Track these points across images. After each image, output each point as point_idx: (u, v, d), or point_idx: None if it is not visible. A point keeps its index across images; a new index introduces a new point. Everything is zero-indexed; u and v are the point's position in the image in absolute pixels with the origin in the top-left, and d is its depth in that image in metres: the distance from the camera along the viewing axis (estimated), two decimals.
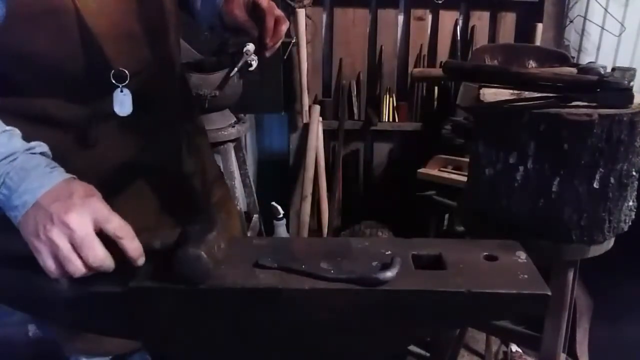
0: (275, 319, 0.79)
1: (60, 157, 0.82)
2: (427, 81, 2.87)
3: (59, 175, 0.76)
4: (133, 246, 0.75)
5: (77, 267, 0.71)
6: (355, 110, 2.94)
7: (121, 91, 0.97)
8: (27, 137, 0.80)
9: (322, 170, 2.90)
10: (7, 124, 0.80)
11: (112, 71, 0.96)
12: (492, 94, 1.29)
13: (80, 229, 0.71)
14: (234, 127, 2.24)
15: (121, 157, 1.04)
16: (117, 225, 0.74)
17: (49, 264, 0.72)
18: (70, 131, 0.97)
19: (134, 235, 0.76)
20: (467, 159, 2.04)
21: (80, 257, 0.71)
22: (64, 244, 0.70)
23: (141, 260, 0.77)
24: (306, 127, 2.85)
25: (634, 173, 1.21)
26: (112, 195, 0.82)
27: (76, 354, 1.27)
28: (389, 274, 0.77)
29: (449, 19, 2.86)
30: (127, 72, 0.96)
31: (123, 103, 0.98)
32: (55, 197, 0.72)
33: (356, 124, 2.96)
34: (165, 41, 1.08)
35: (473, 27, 2.85)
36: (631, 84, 1.38)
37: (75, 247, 0.71)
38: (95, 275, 0.74)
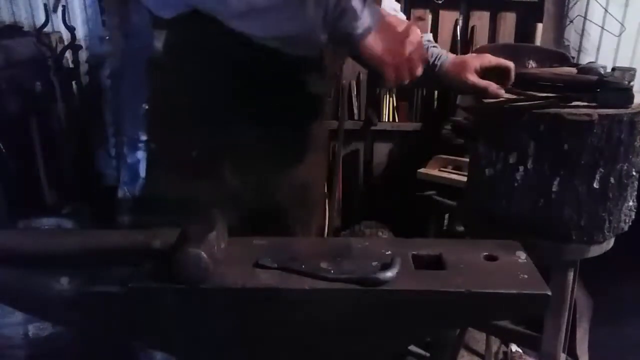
0: (275, 319, 0.79)
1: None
2: None
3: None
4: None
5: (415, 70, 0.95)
6: (355, 110, 2.93)
7: None
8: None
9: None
10: None
11: None
12: None
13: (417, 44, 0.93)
14: None
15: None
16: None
17: (391, 73, 0.94)
18: None
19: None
20: (467, 159, 2.04)
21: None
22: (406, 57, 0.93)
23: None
24: None
25: (634, 173, 1.21)
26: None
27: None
28: (389, 274, 0.77)
29: (449, 19, 2.85)
30: None
31: None
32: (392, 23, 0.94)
33: (356, 124, 2.96)
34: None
35: (473, 27, 2.85)
36: (631, 84, 1.38)
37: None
38: (95, 275, 0.74)
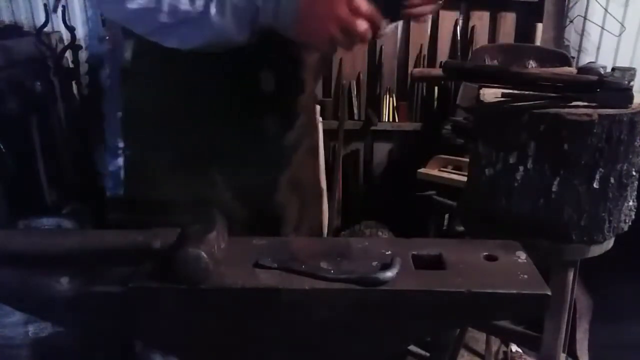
0: (275, 319, 0.79)
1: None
2: (427, 81, 2.87)
3: None
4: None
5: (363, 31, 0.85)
6: (355, 110, 2.93)
7: None
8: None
9: (322, 170, 2.89)
10: None
11: None
12: (492, 94, 1.29)
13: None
14: None
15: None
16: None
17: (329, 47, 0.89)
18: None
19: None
20: (467, 159, 2.04)
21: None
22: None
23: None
24: None
25: (634, 173, 1.21)
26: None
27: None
28: (389, 274, 0.77)
29: (449, 19, 2.86)
30: None
31: None
32: None
33: (356, 124, 2.96)
34: None
35: (473, 27, 2.85)
36: (631, 84, 1.37)
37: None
38: (95, 275, 0.74)
